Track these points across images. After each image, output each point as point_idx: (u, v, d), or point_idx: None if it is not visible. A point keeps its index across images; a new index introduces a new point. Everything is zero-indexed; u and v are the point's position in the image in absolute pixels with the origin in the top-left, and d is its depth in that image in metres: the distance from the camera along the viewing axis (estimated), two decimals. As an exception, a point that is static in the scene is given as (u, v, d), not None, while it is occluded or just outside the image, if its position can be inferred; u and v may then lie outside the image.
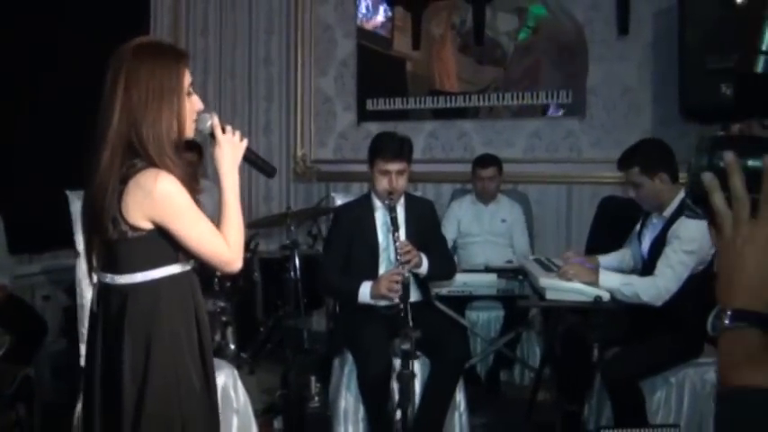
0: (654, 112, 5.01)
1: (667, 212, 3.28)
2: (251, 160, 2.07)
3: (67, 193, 3.27)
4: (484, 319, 4.46)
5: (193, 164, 2.10)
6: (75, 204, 3.25)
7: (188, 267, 1.97)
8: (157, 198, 1.83)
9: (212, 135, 1.99)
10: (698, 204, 1.06)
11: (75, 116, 4.97)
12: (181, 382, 1.93)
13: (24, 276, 4.88)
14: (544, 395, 3.93)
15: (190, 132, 1.97)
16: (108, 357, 1.93)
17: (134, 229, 1.86)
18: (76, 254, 3.25)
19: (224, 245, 1.93)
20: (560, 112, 5.28)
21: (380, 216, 3.52)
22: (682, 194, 3.28)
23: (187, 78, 1.95)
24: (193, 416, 1.95)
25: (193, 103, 1.96)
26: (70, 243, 3.35)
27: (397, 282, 3.15)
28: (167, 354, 1.92)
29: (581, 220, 5.09)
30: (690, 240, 3.12)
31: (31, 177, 4.73)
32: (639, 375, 3.21)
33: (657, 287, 3.12)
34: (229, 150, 1.97)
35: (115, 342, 1.91)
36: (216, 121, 1.97)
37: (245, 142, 2.01)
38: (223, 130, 1.99)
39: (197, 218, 1.91)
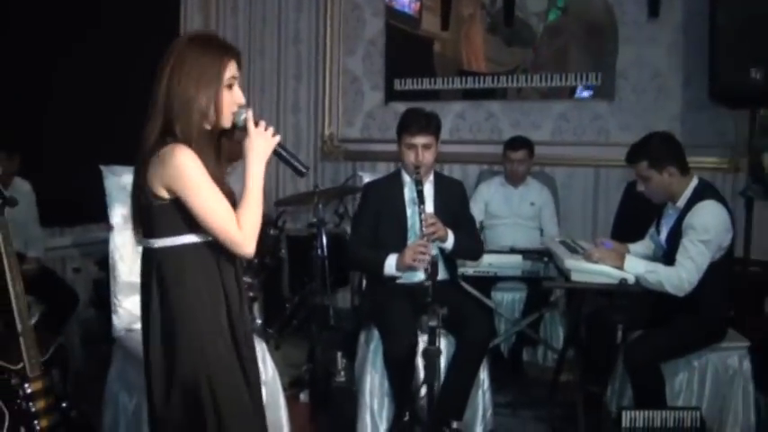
0: (683, 95, 4.98)
1: (681, 203, 3.32)
2: (282, 157, 2.13)
3: (102, 168, 3.33)
4: (508, 300, 4.49)
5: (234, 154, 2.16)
6: (110, 179, 3.32)
7: (209, 238, 2.04)
8: (172, 168, 1.94)
9: (246, 128, 2.08)
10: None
11: (108, 92, 5.08)
12: (205, 346, 2.03)
13: (56, 249, 4.99)
14: (567, 376, 3.95)
15: (227, 122, 2.06)
16: (145, 318, 2.08)
17: (156, 197, 1.99)
18: (110, 227, 3.33)
19: (234, 225, 1.99)
20: (587, 94, 5.25)
21: (409, 191, 3.56)
22: (694, 184, 3.32)
23: (230, 71, 2.05)
24: (220, 381, 2.04)
25: (234, 96, 2.06)
26: (101, 217, 3.42)
27: (422, 252, 3.20)
28: (191, 317, 2.03)
29: (608, 204, 5.10)
30: (704, 230, 3.15)
31: (63, 151, 4.81)
32: (661, 358, 3.25)
33: (681, 278, 3.15)
34: (260, 143, 2.05)
35: (148, 303, 2.07)
36: (250, 115, 2.05)
37: (276, 138, 2.08)
38: (256, 125, 2.06)
39: (210, 193, 1.97)
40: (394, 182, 3.64)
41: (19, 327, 2.66)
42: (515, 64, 5.45)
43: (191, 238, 2.03)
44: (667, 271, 3.18)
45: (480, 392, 3.46)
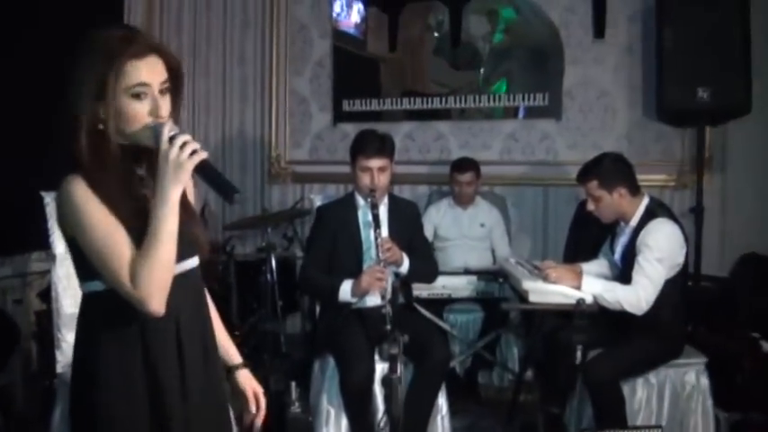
0: (630, 114, 5.04)
1: (633, 222, 3.34)
2: (207, 179, 1.66)
3: (42, 194, 3.19)
4: (462, 322, 4.45)
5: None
6: (52, 206, 3.18)
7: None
8: (60, 205, 1.65)
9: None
10: None
11: (48, 112, 4.90)
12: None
13: (-5, 279, 4.78)
14: (525, 397, 3.92)
15: (146, 139, 1.65)
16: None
17: (65, 237, 1.70)
18: (52, 257, 3.19)
19: (125, 276, 1.59)
20: (529, 115, 5.28)
21: (363, 215, 3.50)
22: (645, 202, 3.35)
23: (133, 76, 1.62)
24: None
25: (146, 106, 1.64)
26: (44, 245, 3.27)
27: (379, 278, 3.14)
28: (92, 382, 1.71)
29: (558, 223, 5.12)
30: (658, 248, 3.17)
31: (1, 177, 4.62)
32: (620, 376, 3.25)
33: (638, 297, 3.16)
34: (167, 166, 1.59)
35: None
36: (165, 129, 1.61)
37: (193, 159, 1.60)
38: (172, 141, 1.61)
39: (99, 233, 1.61)
40: (347, 205, 3.58)
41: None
42: (462, 85, 5.45)
43: (96, 285, 1.68)
44: (625, 290, 3.18)
45: (439, 418, 3.39)
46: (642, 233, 3.23)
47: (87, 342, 1.73)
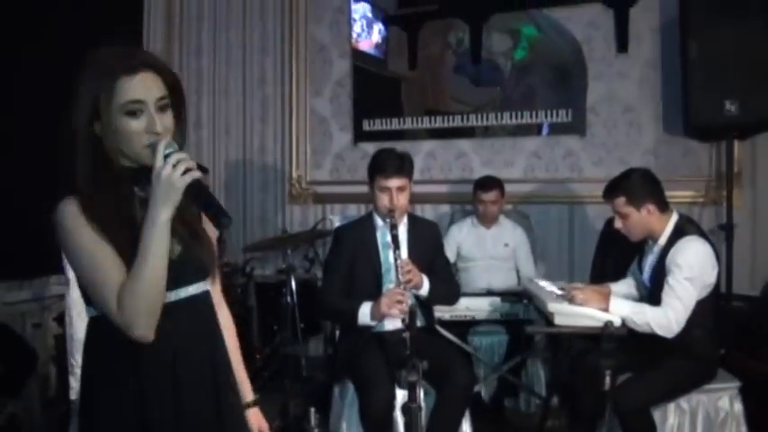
0: (656, 129, 4.93)
1: (662, 240, 3.23)
2: (198, 201, 1.59)
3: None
4: (487, 344, 4.33)
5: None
6: (65, 230, 3.14)
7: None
8: (55, 228, 1.61)
9: None
10: None
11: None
12: None
13: (14, 304, 4.75)
14: (552, 423, 3.80)
15: (147, 159, 1.60)
16: None
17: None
18: (66, 281, 3.15)
19: (112, 300, 1.53)
20: (553, 131, 5.20)
21: (382, 235, 3.43)
22: (674, 219, 3.24)
23: (127, 93, 1.57)
24: None
25: (143, 124, 1.59)
26: (61, 269, 3.23)
27: (399, 302, 3.06)
28: (85, 406, 1.69)
29: (584, 241, 5.00)
30: (689, 267, 3.06)
31: (18, 198, 4.60)
32: (652, 402, 3.13)
33: (669, 319, 3.05)
34: (159, 185, 1.53)
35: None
36: (160, 147, 1.55)
37: (186, 178, 1.53)
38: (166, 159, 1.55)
39: (87, 256, 1.56)
40: (366, 226, 3.50)
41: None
42: (484, 102, 5.38)
43: (92, 311, 1.66)
44: (654, 312, 3.07)
45: (463, 445, 3.30)
46: (671, 252, 3.12)
47: (86, 367, 1.70)
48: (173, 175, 1.52)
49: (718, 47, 4.14)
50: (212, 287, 1.81)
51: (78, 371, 3.06)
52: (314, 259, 5.23)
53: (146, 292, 1.54)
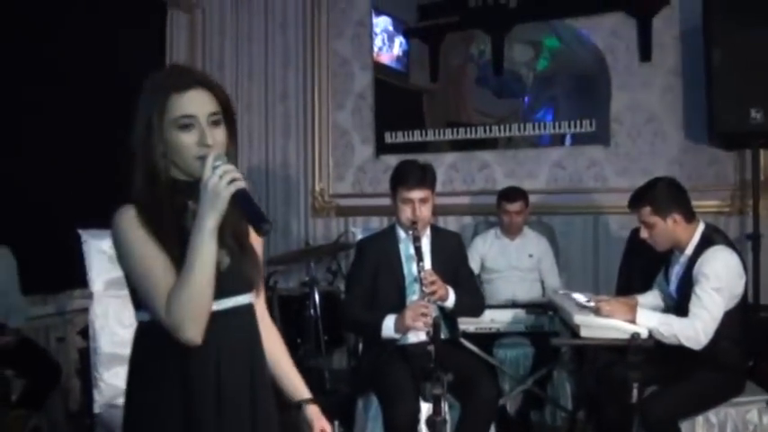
0: (681, 138, 4.88)
1: (689, 250, 3.19)
2: (242, 209, 1.66)
3: (80, 231, 3.17)
4: (512, 357, 4.29)
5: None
6: (89, 243, 3.16)
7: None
8: (111, 232, 1.71)
9: None
10: None
11: (85, 151, 4.95)
12: None
13: (39, 318, 4.79)
14: (579, 436, 3.76)
15: (185, 170, 1.72)
16: None
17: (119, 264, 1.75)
18: (90, 294, 3.16)
19: (162, 303, 1.62)
20: (576, 142, 5.16)
21: (405, 247, 3.41)
22: (701, 229, 3.20)
23: (180, 108, 1.68)
24: None
25: (194, 137, 1.69)
26: (85, 283, 3.25)
27: (423, 314, 3.03)
28: (133, 404, 1.78)
29: (609, 252, 4.96)
30: (716, 277, 3.02)
31: (42, 215, 4.64)
32: (680, 415, 3.07)
33: (696, 330, 3.00)
34: (206, 194, 1.61)
35: None
36: (209, 159, 1.64)
37: (231, 188, 1.61)
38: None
39: (140, 262, 1.65)
40: (389, 238, 3.49)
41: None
42: (506, 113, 5.37)
43: (142, 315, 1.75)
44: (682, 323, 3.02)
45: (489, 459, 3.26)
46: (698, 262, 3.08)
47: (133, 370, 1.78)
48: (219, 184, 1.60)
49: (742, 54, 4.09)
50: (256, 300, 1.88)
51: (102, 384, 3.10)
52: (336, 272, 5.23)
53: (193, 297, 1.61)
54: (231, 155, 1.75)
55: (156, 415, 1.72)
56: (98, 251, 3.15)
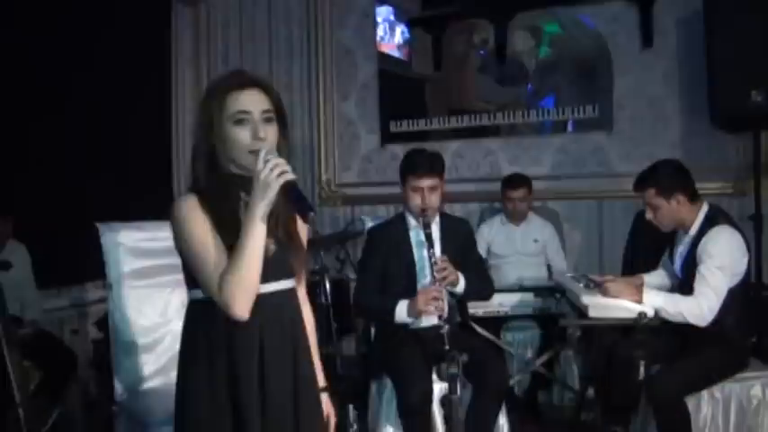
0: (682, 122, 4.94)
1: (693, 230, 3.26)
2: (290, 198, 1.83)
3: (98, 225, 3.24)
4: (519, 340, 4.38)
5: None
6: (107, 236, 3.23)
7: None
8: (170, 216, 1.87)
9: None
10: None
11: (94, 149, 5.02)
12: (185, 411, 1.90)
13: (53, 311, 4.86)
14: (586, 415, 3.83)
15: (239, 164, 1.87)
16: None
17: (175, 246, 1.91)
18: (109, 285, 3.23)
19: (215, 282, 1.78)
20: (579, 127, 5.22)
21: (415, 234, 3.47)
22: (705, 210, 3.27)
23: (235, 105, 1.86)
24: None
25: (249, 132, 1.85)
26: (97, 275, 3.32)
27: (435, 298, 3.11)
28: (182, 375, 1.93)
29: (613, 235, 5.02)
30: (720, 256, 3.09)
31: (54, 210, 4.70)
32: (686, 391, 3.14)
33: (701, 307, 3.07)
34: (258, 186, 1.78)
35: None
36: (261, 153, 1.80)
37: (281, 180, 1.77)
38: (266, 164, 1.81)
39: (198, 246, 1.82)
40: (399, 225, 3.55)
41: (17, 397, 2.54)
42: (509, 100, 5.42)
43: (196, 294, 1.90)
44: (687, 301, 3.10)
45: (500, 438, 3.34)
46: (703, 241, 3.15)
47: (184, 344, 1.94)
48: (270, 176, 1.76)
49: (743, 37, 4.13)
50: (299, 286, 2.04)
51: (123, 372, 3.18)
52: (345, 260, 5.29)
53: (243, 277, 1.77)
54: (283, 151, 1.90)
55: (205, 385, 1.86)
56: (115, 244, 3.23)
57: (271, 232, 1.86)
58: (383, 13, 5.81)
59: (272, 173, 1.76)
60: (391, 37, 5.82)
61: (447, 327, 2.71)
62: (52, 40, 4.85)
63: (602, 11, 5.10)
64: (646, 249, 4.05)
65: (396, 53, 5.82)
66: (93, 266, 3.36)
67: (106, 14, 5.26)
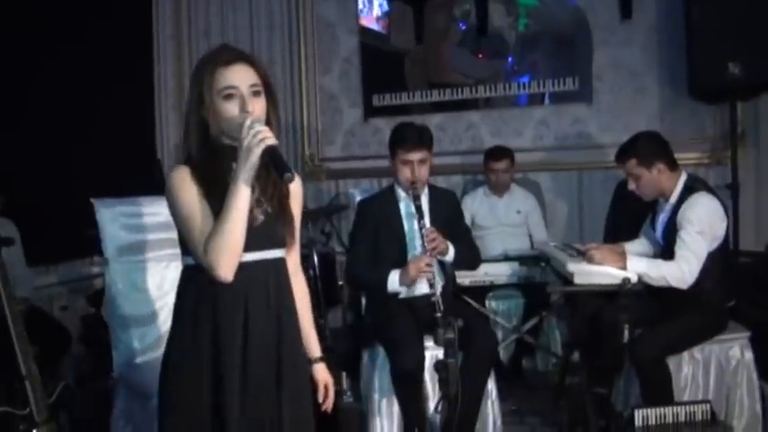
0: (661, 94, 5.03)
1: (673, 198, 3.38)
2: (270, 161, 1.88)
3: (93, 200, 3.27)
4: (504, 308, 4.47)
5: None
6: (102, 212, 3.26)
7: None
8: (166, 186, 1.95)
9: None
10: None
11: (80, 125, 5.01)
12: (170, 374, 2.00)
13: (42, 288, 4.88)
14: (570, 379, 3.95)
15: (230, 135, 1.93)
16: None
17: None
18: (105, 261, 3.27)
19: (200, 248, 1.87)
20: (560, 99, 5.29)
21: (405, 206, 3.55)
22: (683, 179, 3.39)
23: (223, 80, 1.92)
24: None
25: (236, 106, 1.92)
26: (86, 252, 3.34)
27: (428, 265, 3.19)
28: (171, 336, 2.02)
29: (593, 206, 5.13)
30: (699, 221, 3.22)
31: (42, 188, 4.71)
32: (667, 352, 3.28)
33: (683, 271, 3.20)
34: (240, 149, 1.86)
35: None
36: (246, 121, 1.87)
37: (262, 145, 1.84)
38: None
39: (186, 213, 1.91)
40: (388, 198, 3.63)
41: (23, 370, 2.59)
42: (490, 73, 5.47)
43: (188, 260, 1.99)
44: (669, 265, 3.22)
45: (489, 402, 3.44)
46: (682, 208, 3.27)
47: (176, 307, 2.03)
48: (252, 141, 1.84)
49: (720, 9, 4.23)
50: (288, 256, 2.09)
51: (121, 346, 3.23)
52: (330, 233, 5.34)
53: (226, 240, 1.85)
54: (273, 122, 1.99)
55: (189, 342, 1.95)
56: (111, 219, 3.26)
57: (259, 203, 1.98)
58: (363, -15, 5.81)
59: (255, 138, 1.84)
60: (369, 10, 5.83)
61: (439, 294, 2.79)
62: (35, 17, 4.83)
63: (580, -18, 5.15)
64: (627, 219, 4.16)
65: (375, 26, 5.83)
66: (80, 243, 3.38)
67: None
